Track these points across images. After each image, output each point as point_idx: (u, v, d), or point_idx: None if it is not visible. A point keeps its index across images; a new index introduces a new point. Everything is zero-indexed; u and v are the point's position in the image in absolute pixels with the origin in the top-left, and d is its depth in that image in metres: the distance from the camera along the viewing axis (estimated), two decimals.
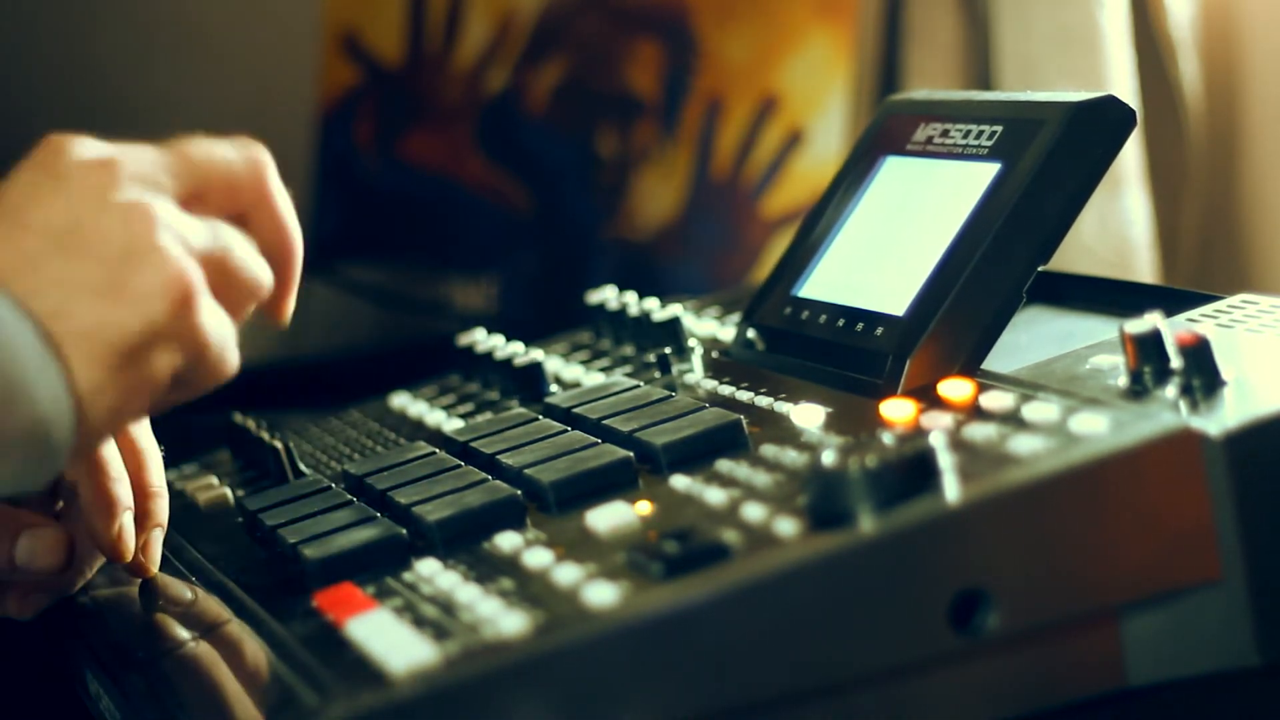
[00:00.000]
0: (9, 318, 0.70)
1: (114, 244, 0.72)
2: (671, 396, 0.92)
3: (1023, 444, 0.75)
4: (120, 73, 1.80)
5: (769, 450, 0.83)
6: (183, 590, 0.86)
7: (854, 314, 0.91)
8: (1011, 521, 0.72)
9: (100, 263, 0.72)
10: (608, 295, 1.11)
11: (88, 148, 0.75)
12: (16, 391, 0.69)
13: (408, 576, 0.79)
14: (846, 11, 1.50)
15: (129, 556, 0.86)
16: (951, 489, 0.72)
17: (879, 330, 0.89)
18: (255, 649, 0.77)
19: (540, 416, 0.94)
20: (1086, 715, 0.75)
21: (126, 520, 0.86)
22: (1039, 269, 0.87)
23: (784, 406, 0.88)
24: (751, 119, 1.55)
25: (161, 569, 0.89)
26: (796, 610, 0.70)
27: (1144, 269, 1.38)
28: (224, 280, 0.76)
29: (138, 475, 0.88)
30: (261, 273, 0.78)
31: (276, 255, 0.81)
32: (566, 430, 0.90)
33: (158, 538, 0.88)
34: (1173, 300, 0.91)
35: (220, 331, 0.75)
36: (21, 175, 0.75)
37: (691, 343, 1.03)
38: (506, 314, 1.66)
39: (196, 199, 0.77)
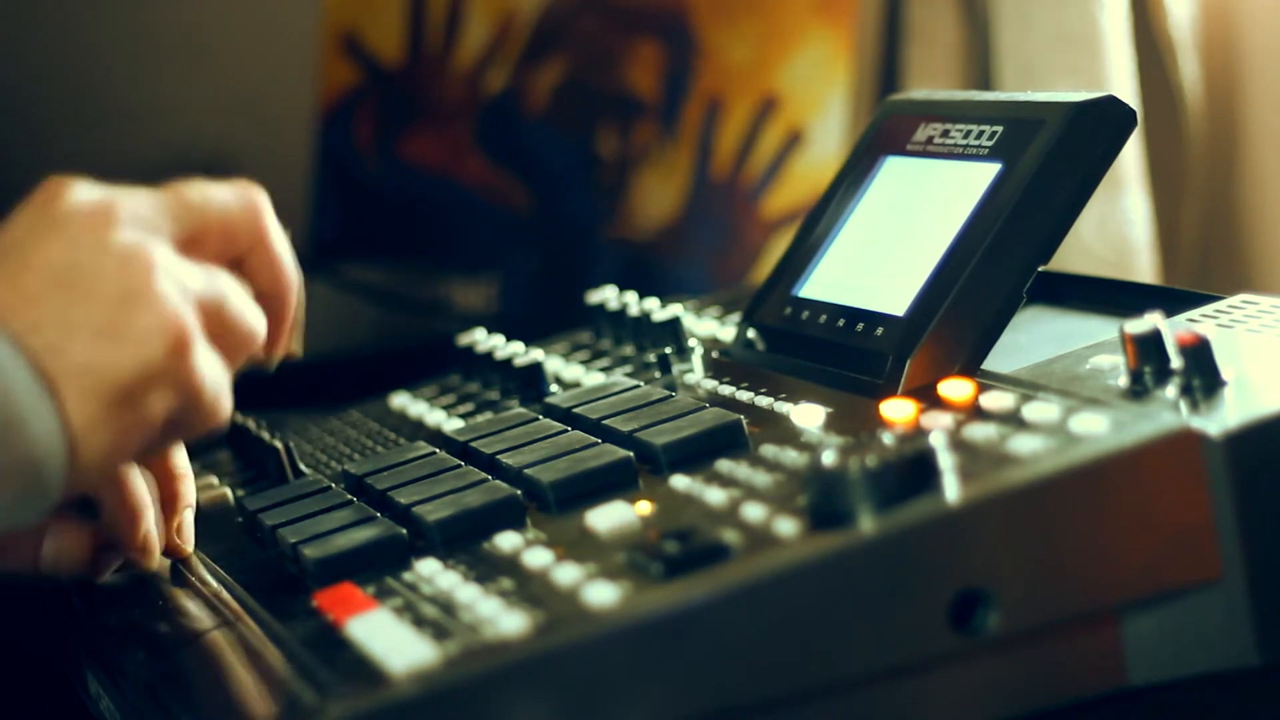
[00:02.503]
0: (5, 354, 0.70)
1: (112, 286, 0.73)
2: (671, 396, 0.92)
3: (1023, 444, 0.75)
4: (120, 73, 1.80)
5: (769, 450, 0.83)
6: (183, 590, 0.86)
7: (854, 314, 0.91)
8: (1011, 521, 0.72)
9: (98, 303, 0.72)
10: (608, 295, 1.11)
11: (86, 191, 0.76)
12: (10, 426, 0.69)
13: (408, 576, 0.79)
14: (846, 11, 1.50)
15: (154, 560, 0.87)
16: (951, 489, 0.72)
17: (879, 330, 0.89)
18: (255, 649, 0.77)
19: (540, 416, 0.94)
20: (1086, 715, 0.75)
21: (149, 523, 0.87)
22: (1039, 269, 0.87)
23: (784, 406, 0.88)
24: (751, 119, 1.55)
25: (160, 569, 0.89)
26: (796, 610, 0.70)
27: (1144, 269, 1.38)
28: (219, 328, 0.77)
29: (161, 460, 0.88)
30: (256, 322, 0.79)
31: (272, 298, 0.82)
32: (566, 430, 0.90)
33: (189, 518, 0.89)
34: (1173, 300, 0.91)
35: (214, 378, 0.76)
36: (21, 217, 0.76)
37: (691, 343, 1.03)
38: (506, 314, 1.66)
39: (194, 243, 0.78)
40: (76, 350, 0.71)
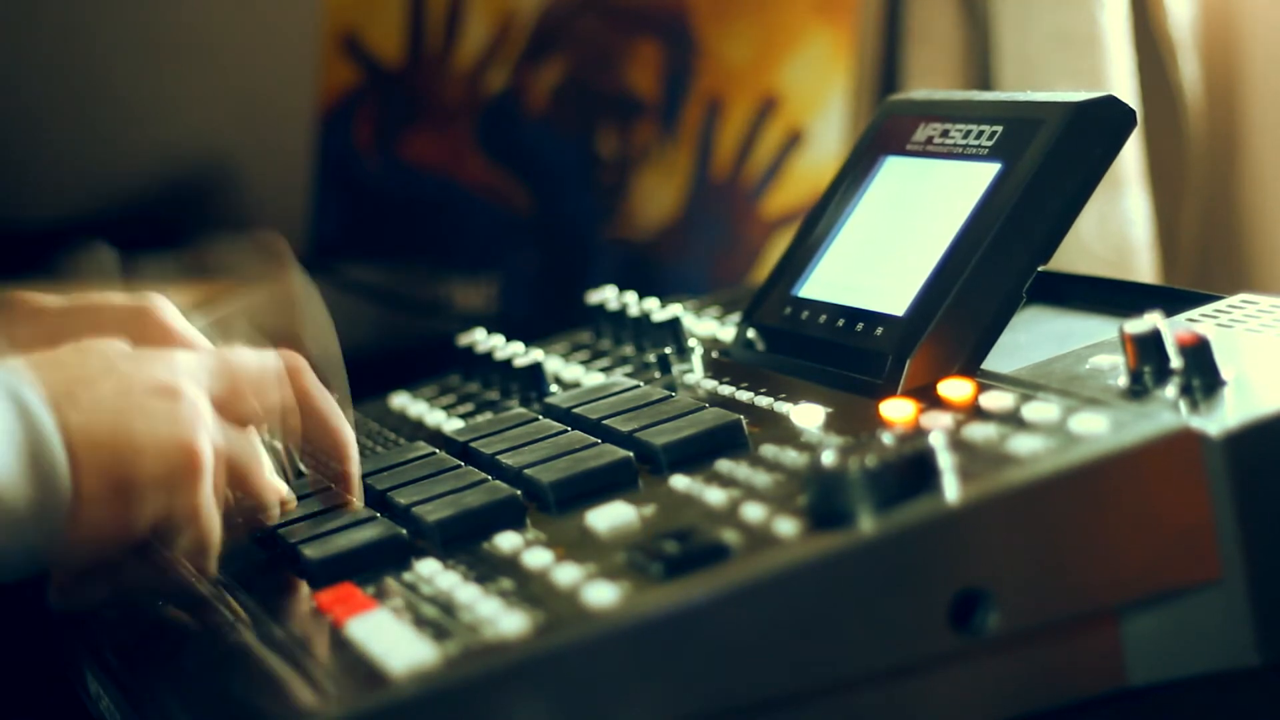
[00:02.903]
0: (42, 411, 0.74)
1: (151, 382, 0.77)
2: (671, 396, 0.92)
3: (1023, 444, 0.75)
4: (120, 73, 1.80)
5: (769, 450, 0.83)
6: (183, 590, 0.86)
7: (854, 314, 0.91)
8: (1011, 521, 0.72)
9: (135, 397, 0.76)
10: (608, 295, 1.11)
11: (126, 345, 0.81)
12: (30, 468, 0.73)
13: (408, 576, 0.79)
14: (846, 11, 1.50)
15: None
16: (951, 489, 0.72)
17: (879, 330, 0.89)
18: (255, 649, 0.77)
19: (540, 416, 0.94)
20: (1086, 715, 0.75)
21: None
22: (1039, 269, 0.87)
23: (784, 406, 0.88)
24: (751, 119, 1.55)
25: (161, 569, 0.88)
26: (796, 610, 0.70)
27: (1144, 269, 1.38)
28: (235, 484, 0.81)
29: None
30: (269, 492, 0.83)
31: (330, 452, 0.87)
32: (566, 430, 0.90)
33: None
34: (1173, 300, 0.91)
35: (210, 516, 0.79)
36: (74, 350, 0.79)
37: (691, 343, 1.03)
38: (506, 314, 1.66)
39: (230, 401, 0.81)
40: (103, 434, 0.75)
